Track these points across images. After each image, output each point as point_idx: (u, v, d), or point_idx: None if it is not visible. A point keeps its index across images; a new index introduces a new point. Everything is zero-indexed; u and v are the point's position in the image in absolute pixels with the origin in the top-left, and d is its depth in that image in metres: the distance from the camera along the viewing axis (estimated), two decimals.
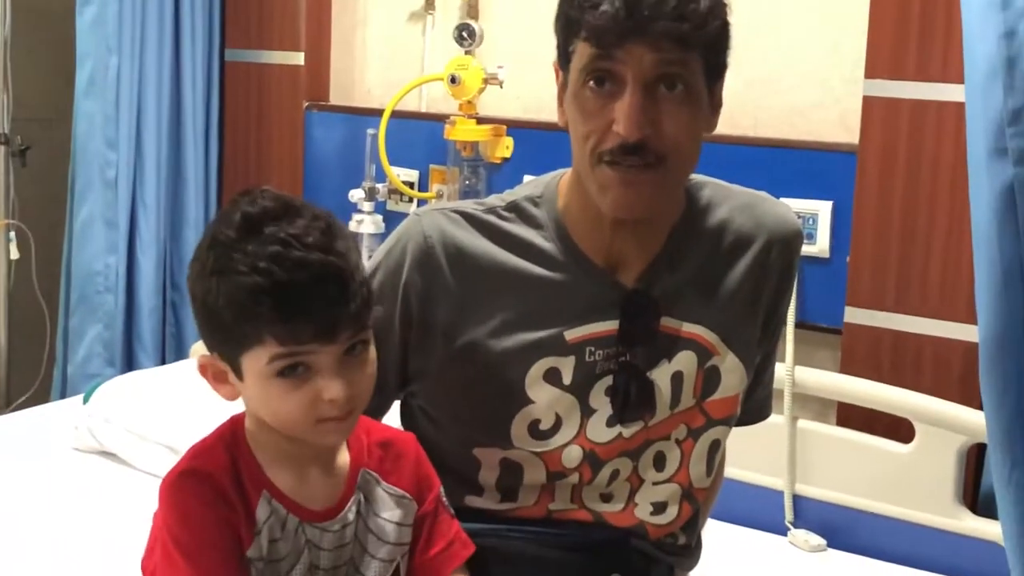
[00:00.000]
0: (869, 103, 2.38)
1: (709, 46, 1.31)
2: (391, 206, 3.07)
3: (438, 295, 1.41)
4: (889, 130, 2.36)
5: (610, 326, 1.41)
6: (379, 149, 2.93)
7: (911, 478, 2.30)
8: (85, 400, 2.69)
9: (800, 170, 2.52)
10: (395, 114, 2.95)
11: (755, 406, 1.59)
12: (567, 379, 1.40)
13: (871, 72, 2.38)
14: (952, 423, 2.24)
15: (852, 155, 2.42)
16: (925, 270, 2.35)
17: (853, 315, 2.43)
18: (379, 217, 3.02)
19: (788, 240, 1.49)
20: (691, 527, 1.54)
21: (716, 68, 1.34)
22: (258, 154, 3.32)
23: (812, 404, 2.48)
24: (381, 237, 2.89)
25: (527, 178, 1.52)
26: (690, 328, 1.43)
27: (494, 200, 1.47)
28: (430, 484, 1.37)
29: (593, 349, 1.41)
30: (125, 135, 3.16)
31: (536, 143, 2.84)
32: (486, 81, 2.88)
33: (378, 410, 1.46)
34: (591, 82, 1.31)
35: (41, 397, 3.25)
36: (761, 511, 2.43)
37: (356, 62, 3.29)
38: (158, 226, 3.25)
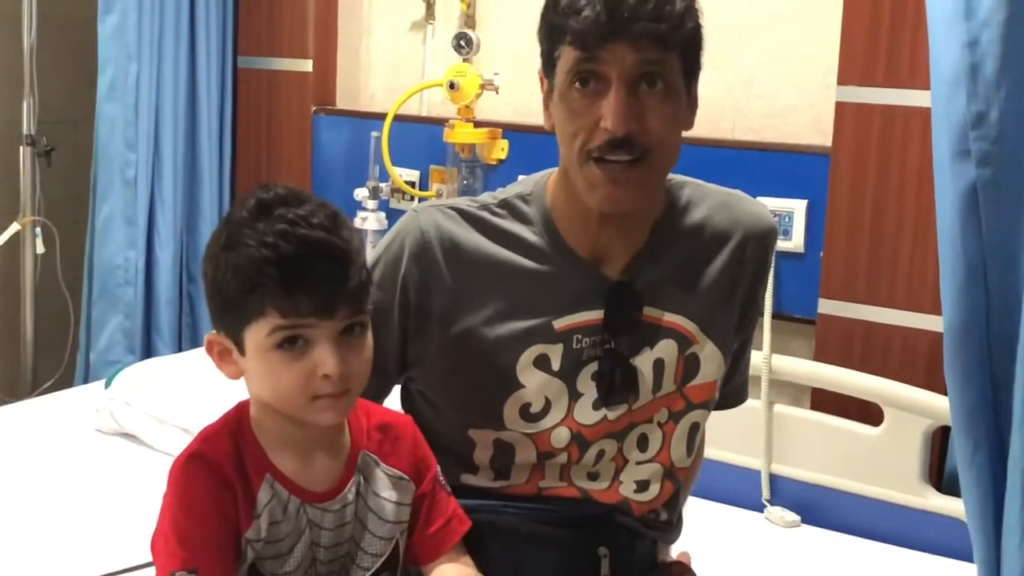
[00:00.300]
0: (841, 108, 2.38)
1: (686, 45, 1.32)
2: (394, 204, 3.06)
3: (434, 286, 1.41)
4: (860, 133, 2.35)
5: (596, 315, 1.41)
6: (382, 150, 2.92)
7: (880, 459, 2.30)
8: (107, 385, 2.68)
9: (776, 170, 2.51)
10: (397, 118, 2.94)
11: (733, 391, 1.59)
12: (556, 365, 1.40)
13: (843, 79, 2.37)
14: (918, 407, 2.23)
15: (825, 157, 2.42)
16: (894, 265, 2.35)
17: (826, 306, 2.43)
18: (382, 214, 3.01)
19: (763, 236, 1.49)
20: (673, 504, 1.53)
21: (692, 68, 1.35)
22: (268, 155, 3.31)
23: (788, 389, 2.48)
24: (384, 233, 2.88)
25: (520, 178, 1.51)
26: (671, 318, 1.43)
27: (487, 198, 1.47)
28: (427, 465, 1.37)
29: (580, 337, 1.40)
30: (144, 137, 3.15)
31: (529, 145, 2.84)
32: (482, 87, 2.88)
33: (379, 394, 1.45)
34: (577, 83, 1.31)
35: (65, 382, 3.24)
36: (739, 489, 2.43)
37: (361, 69, 3.28)
38: (175, 222, 3.24)
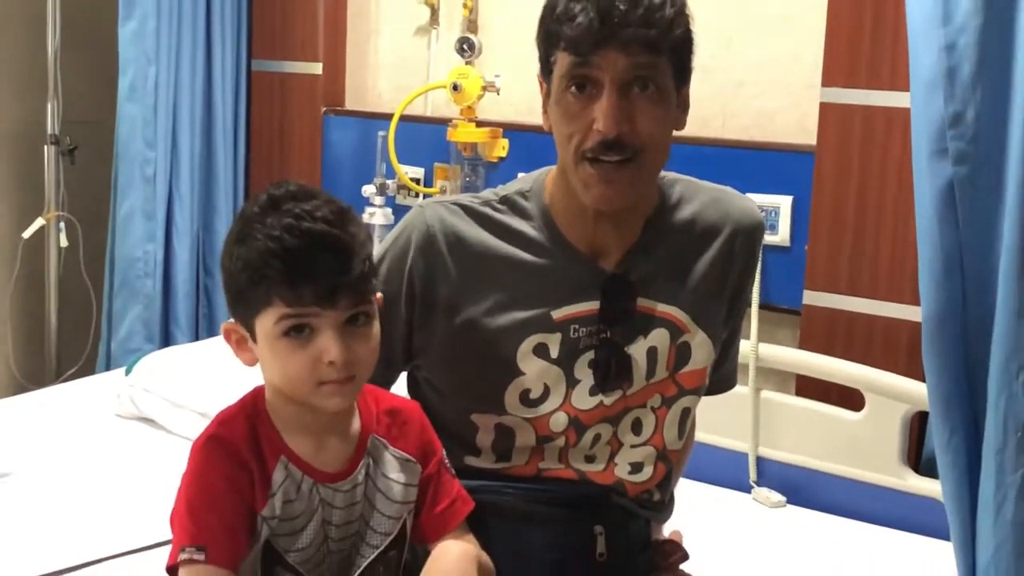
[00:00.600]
0: (826, 108, 2.38)
1: (676, 50, 1.31)
2: (400, 200, 3.06)
3: (439, 278, 1.41)
4: (843, 133, 2.35)
5: (592, 306, 1.41)
6: (389, 149, 2.92)
7: (861, 442, 2.30)
8: (127, 372, 2.69)
9: (764, 168, 2.51)
10: (403, 118, 2.94)
11: (722, 377, 1.59)
12: (554, 353, 1.40)
13: (827, 80, 2.37)
14: (898, 393, 2.24)
15: (810, 155, 2.42)
16: (875, 258, 2.35)
17: (811, 297, 2.43)
18: (389, 210, 3.00)
19: (751, 230, 1.49)
20: (665, 485, 1.54)
21: (683, 72, 1.35)
22: (281, 153, 3.31)
23: (774, 376, 2.48)
24: (391, 228, 2.88)
25: (520, 175, 1.51)
26: (664, 308, 1.43)
27: (488, 194, 1.47)
28: (434, 448, 1.37)
29: (577, 327, 1.41)
30: (162, 136, 3.15)
31: (529, 144, 2.84)
32: (484, 88, 2.88)
33: (386, 382, 1.45)
34: (572, 88, 1.31)
35: (88, 369, 3.25)
36: (728, 471, 2.43)
37: (369, 71, 3.28)
38: (192, 218, 3.24)
